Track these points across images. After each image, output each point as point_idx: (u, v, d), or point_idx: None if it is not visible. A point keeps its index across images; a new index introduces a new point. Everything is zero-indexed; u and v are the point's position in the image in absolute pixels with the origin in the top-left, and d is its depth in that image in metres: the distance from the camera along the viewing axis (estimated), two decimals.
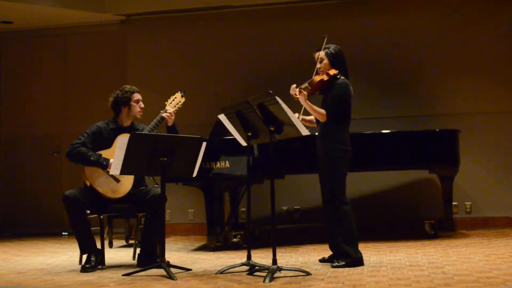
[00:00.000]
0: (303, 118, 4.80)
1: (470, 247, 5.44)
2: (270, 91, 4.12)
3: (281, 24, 7.83)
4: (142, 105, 5.06)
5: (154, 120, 4.86)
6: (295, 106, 4.47)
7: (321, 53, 4.71)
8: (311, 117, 4.81)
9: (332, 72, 4.62)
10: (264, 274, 4.11)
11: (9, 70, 8.82)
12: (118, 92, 5.03)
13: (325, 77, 4.63)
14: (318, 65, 4.70)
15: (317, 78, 4.65)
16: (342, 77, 4.64)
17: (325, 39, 4.74)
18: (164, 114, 4.84)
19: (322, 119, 4.64)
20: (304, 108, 4.71)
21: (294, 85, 4.62)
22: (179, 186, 6.28)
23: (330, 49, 4.70)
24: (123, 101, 4.99)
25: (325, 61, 4.68)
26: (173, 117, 4.87)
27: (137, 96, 5.03)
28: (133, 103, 5.00)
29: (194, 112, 7.50)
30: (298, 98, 4.53)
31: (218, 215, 5.87)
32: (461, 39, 7.44)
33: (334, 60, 4.67)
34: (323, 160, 4.60)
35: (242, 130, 4.49)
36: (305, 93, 4.59)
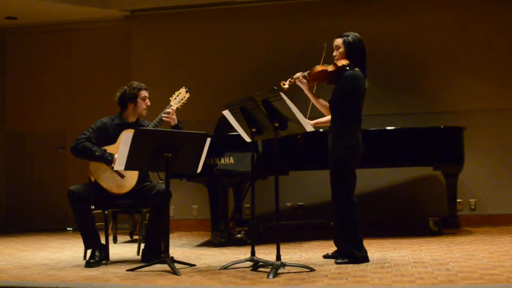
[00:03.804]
0: (318, 121, 4.75)
1: (474, 244, 5.43)
2: (275, 87, 4.11)
3: (286, 21, 7.82)
4: (149, 103, 5.06)
5: (159, 116, 4.86)
6: (299, 103, 4.45)
7: (339, 40, 4.54)
8: (326, 118, 4.70)
9: (341, 63, 4.45)
10: (268, 270, 4.12)
11: (14, 66, 8.83)
12: (125, 87, 5.03)
13: (330, 68, 4.49)
14: (334, 53, 4.57)
15: (318, 68, 4.52)
16: (356, 69, 4.46)
17: (325, 48, 4.66)
18: (164, 117, 4.83)
19: (326, 113, 4.59)
20: (312, 108, 4.68)
21: (298, 74, 4.58)
22: (184, 182, 6.30)
23: (349, 38, 4.51)
24: (130, 97, 4.99)
25: (341, 49, 4.51)
26: (174, 116, 4.86)
27: (144, 93, 5.03)
28: (139, 100, 5.00)
29: (199, 107, 7.50)
30: (286, 88, 4.42)
31: (222, 211, 5.87)
32: (466, 36, 7.42)
33: (350, 49, 4.48)
34: (330, 156, 4.53)
35: (246, 126, 4.48)
36: (305, 81, 4.53)
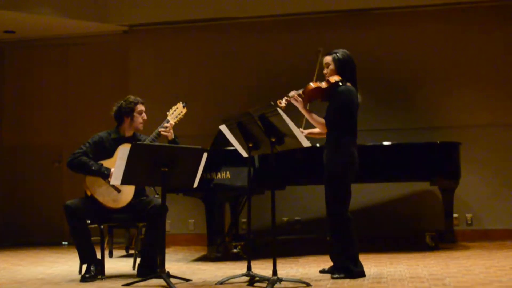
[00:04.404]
0: (311, 131, 4.77)
1: (471, 259, 5.43)
2: (272, 103, 4.13)
3: (283, 35, 7.86)
4: (145, 117, 5.06)
5: (156, 130, 4.87)
6: (296, 118, 4.47)
7: (328, 58, 4.59)
8: (318, 129, 4.74)
9: (333, 79, 4.49)
10: (264, 285, 4.11)
11: (11, 79, 8.84)
12: (122, 102, 5.03)
13: (323, 85, 4.52)
14: (324, 70, 4.63)
15: (312, 85, 4.55)
16: (348, 84, 4.50)
17: (320, 53, 4.68)
18: (161, 131, 4.84)
19: (322, 129, 4.61)
20: (306, 119, 4.70)
21: (292, 92, 4.59)
22: (180, 197, 6.28)
23: (338, 54, 4.55)
24: (126, 112, 5.00)
25: (331, 66, 4.55)
26: (171, 131, 4.87)
27: (140, 107, 5.04)
28: (136, 114, 5.01)
29: (196, 122, 7.51)
30: (283, 107, 4.42)
31: (218, 226, 5.86)
32: (462, 51, 7.47)
33: (341, 66, 4.53)
34: (326, 171, 4.54)
35: (243, 141, 4.49)
36: (300, 100, 4.56)
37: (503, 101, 7.34)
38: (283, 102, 4.53)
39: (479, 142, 7.27)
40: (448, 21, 7.53)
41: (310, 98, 4.59)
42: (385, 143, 6.34)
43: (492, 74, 7.40)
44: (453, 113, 7.39)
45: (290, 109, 4.58)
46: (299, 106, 4.60)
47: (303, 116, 4.78)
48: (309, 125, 4.85)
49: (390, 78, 7.54)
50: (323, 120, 4.56)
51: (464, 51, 7.46)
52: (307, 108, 4.70)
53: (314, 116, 4.62)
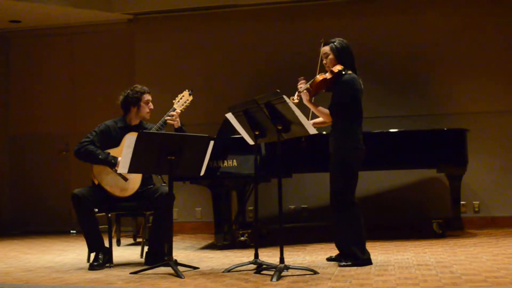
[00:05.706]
0: (314, 122, 4.75)
1: (478, 246, 5.42)
2: (278, 90, 4.12)
3: (287, 23, 7.82)
4: (152, 106, 5.06)
5: (162, 118, 4.87)
6: (302, 105, 4.46)
7: (326, 48, 4.59)
8: (321, 119, 4.72)
9: (336, 68, 4.50)
10: (271, 272, 4.12)
11: (17, 68, 8.86)
12: (129, 91, 5.03)
13: (328, 76, 4.52)
14: (324, 61, 4.64)
15: (319, 77, 4.54)
16: (349, 72, 4.51)
17: (322, 44, 4.67)
18: (168, 119, 4.83)
19: (328, 119, 4.60)
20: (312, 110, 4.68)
21: (302, 81, 4.58)
22: (187, 185, 6.30)
23: (335, 43, 4.56)
24: (133, 101, 4.99)
25: (331, 56, 4.56)
26: (178, 119, 4.87)
27: (147, 97, 5.03)
28: (142, 104, 5.01)
29: (202, 110, 7.52)
30: (296, 102, 4.43)
31: (225, 214, 5.87)
32: (469, 37, 7.41)
33: (340, 54, 4.54)
34: (333, 158, 4.54)
35: (249, 129, 4.49)
36: (307, 93, 4.55)
37: (510, 87, 7.28)
38: (295, 98, 4.56)
39: (487, 129, 7.23)
40: (456, 9, 7.46)
41: (316, 90, 4.61)
42: (392, 130, 6.32)
43: (499, 60, 7.33)
44: (460, 100, 7.36)
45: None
46: (305, 99, 4.58)
47: (309, 109, 4.76)
48: (315, 117, 4.84)
49: (397, 65, 7.50)
50: (327, 111, 4.55)
51: (472, 38, 7.40)
52: (312, 100, 4.69)
53: (319, 108, 4.60)
